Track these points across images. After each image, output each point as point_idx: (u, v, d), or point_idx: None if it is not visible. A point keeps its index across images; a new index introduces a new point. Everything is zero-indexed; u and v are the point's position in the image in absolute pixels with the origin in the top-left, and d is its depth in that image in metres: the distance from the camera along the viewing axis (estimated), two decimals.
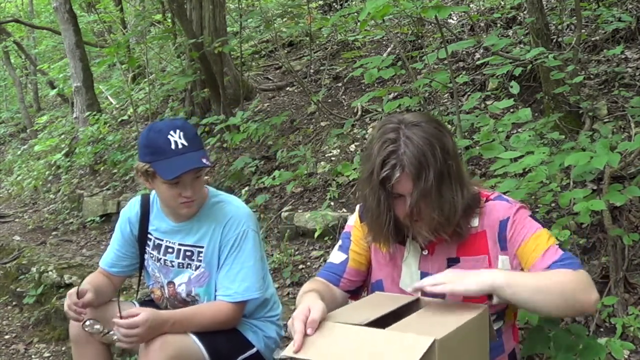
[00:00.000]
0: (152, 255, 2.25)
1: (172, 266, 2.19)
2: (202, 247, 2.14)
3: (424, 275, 1.69)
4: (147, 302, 2.35)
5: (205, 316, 2.05)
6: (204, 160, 2.00)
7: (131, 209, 2.29)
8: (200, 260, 2.15)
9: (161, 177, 1.98)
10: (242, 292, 2.07)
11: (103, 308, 2.12)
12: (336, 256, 1.86)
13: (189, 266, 2.17)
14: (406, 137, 1.55)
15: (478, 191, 1.69)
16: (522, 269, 1.61)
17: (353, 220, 1.87)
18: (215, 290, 2.13)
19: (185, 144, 2.00)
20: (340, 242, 1.89)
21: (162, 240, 2.21)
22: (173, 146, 1.98)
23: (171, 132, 1.99)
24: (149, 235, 2.24)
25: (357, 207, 1.88)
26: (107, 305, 2.15)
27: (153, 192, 2.23)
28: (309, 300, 1.52)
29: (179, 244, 2.18)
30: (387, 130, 1.59)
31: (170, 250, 2.20)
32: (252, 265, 2.09)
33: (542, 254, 1.57)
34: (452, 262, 1.67)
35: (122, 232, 2.27)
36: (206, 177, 2.12)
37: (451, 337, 1.34)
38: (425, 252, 1.70)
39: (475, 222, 1.66)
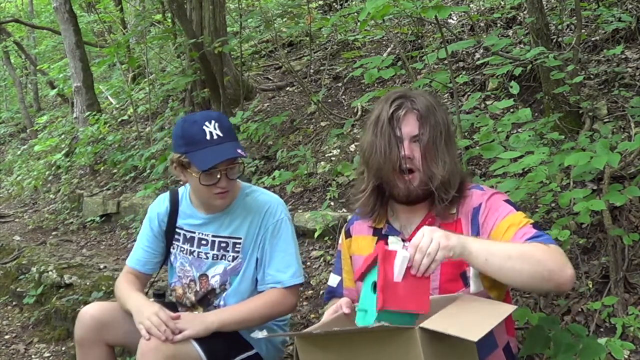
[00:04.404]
0: (183, 249, 2.25)
1: (207, 258, 2.21)
2: (239, 238, 2.16)
3: None
4: (157, 296, 2.35)
5: (258, 307, 2.08)
6: (239, 151, 2.02)
7: (160, 204, 2.30)
8: (238, 252, 2.17)
9: (197, 167, 2.00)
10: (290, 278, 2.12)
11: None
12: (332, 279, 1.95)
13: (224, 257, 2.19)
14: (414, 95, 1.69)
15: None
16: None
17: (341, 238, 1.94)
18: (257, 280, 2.17)
19: (221, 134, 2.02)
20: (334, 264, 1.97)
21: (195, 233, 2.22)
22: (208, 137, 2.00)
23: (206, 123, 2.02)
24: (179, 230, 2.25)
25: (344, 226, 1.94)
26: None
27: (181, 187, 2.28)
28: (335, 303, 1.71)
29: (213, 236, 2.20)
30: (393, 92, 1.72)
31: (204, 242, 2.21)
32: (294, 251, 2.15)
33: (515, 233, 1.58)
34: None
35: (152, 228, 2.28)
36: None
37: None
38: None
39: (454, 209, 1.70)
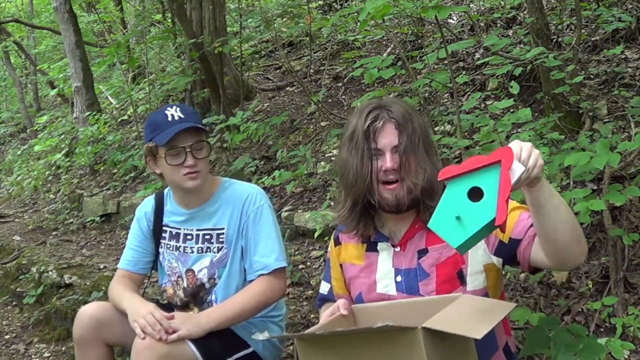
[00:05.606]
0: (169, 246, 2.28)
1: (192, 252, 2.24)
2: (222, 228, 2.19)
3: (397, 272, 1.72)
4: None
5: (249, 299, 2.09)
6: (199, 126, 2.10)
7: (147, 204, 2.36)
8: (222, 242, 2.20)
9: (158, 144, 2.07)
10: (275, 261, 2.13)
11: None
12: (323, 287, 1.96)
13: (209, 250, 2.21)
14: (389, 104, 1.67)
15: None
16: (500, 241, 1.61)
17: (330, 246, 1.95)
18: (245, 270, 2.19)
19: (182, 116, 2.11)
20: (325, 271, 1.97)
21: (180, 229, 2.26)
22: (170, 118, 2.10)
23: (168, 109, 2.13)
24: (165, 228, 2.29)
25: (333, 233, 1.95)
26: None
27: (166, 189, 2.32)
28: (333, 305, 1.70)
29: (197, 230, 2.23)
30: (367, 104, 1.70)
31: (189, 237, 2.25)
32: (276, 236, 2.17)
33: (520, 214, 1.58)
34: (421, 254, 1.70)
35: (141, 227, 2.33)
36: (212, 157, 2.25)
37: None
38: (397, 249, 1.73)
39: None
